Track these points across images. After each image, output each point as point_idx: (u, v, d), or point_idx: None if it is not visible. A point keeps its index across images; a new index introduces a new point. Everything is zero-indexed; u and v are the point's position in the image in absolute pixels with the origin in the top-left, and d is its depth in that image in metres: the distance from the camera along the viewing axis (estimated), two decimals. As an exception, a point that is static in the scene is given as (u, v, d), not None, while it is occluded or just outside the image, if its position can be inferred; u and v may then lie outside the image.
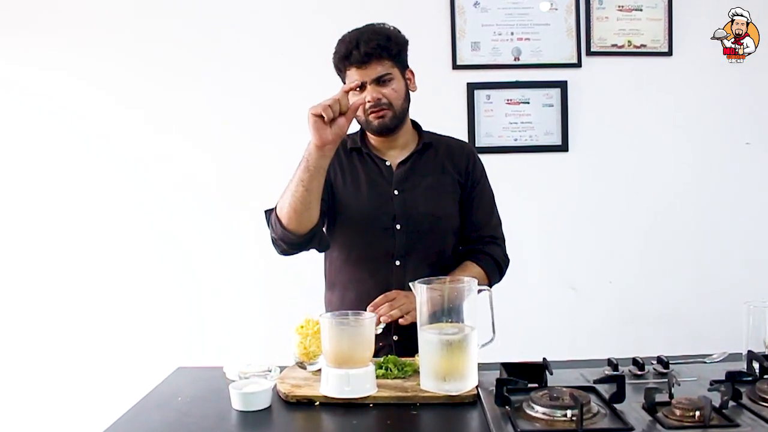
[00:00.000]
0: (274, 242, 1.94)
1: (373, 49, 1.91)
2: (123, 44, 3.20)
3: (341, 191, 2.05)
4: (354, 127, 2.06)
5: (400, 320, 1.85)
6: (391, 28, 2.01)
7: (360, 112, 1.97)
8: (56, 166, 3.23)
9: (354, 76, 1.95)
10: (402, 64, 2.02)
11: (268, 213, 1.97)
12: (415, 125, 2.15)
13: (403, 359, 1.75)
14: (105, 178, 3.24)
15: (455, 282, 1.63)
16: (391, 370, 1.70)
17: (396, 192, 2.03)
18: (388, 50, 1.94)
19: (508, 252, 2.15)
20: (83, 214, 3.24)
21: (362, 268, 2.03)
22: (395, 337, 1.99)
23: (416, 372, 1.67)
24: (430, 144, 2.10)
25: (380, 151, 2.10)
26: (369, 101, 1.95)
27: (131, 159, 3.24)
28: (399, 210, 2.01)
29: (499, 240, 2.13)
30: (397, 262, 2.00)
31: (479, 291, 1.67)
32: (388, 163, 2.07)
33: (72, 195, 3.24)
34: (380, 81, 1.96)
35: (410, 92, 2.06)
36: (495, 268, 2.07)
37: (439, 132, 2.18)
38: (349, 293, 2.04)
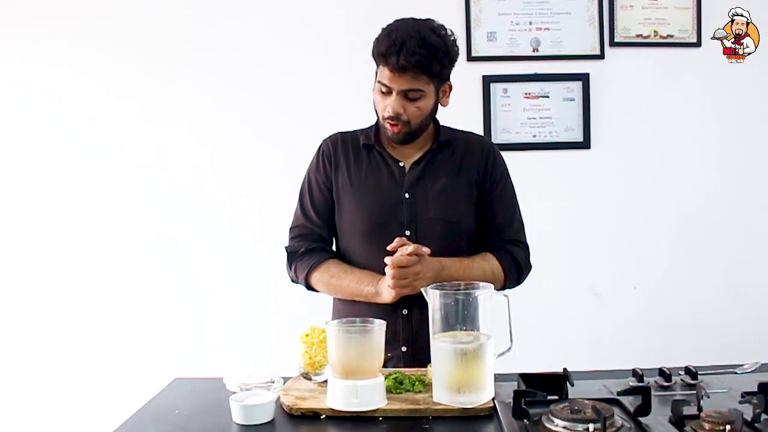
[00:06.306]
0: (292, 280, 2.13)
1: (413, 64, 1.86)
2: (118, 34, 3.21)
3: (348, 196, 2.05)
4: (367, 118, 2.09)
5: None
6: (448, 37, 1.94)
7: (379, 112, 1.98)
8: (48, 163, 3.25)
9: (385, 76, 1.91)
10: (440, 79, 1.97)
11: (290, 256, 2.09)
12: (434, 121, 2.10)
13: (412, 374, 1.74)
14: (99, 177, 3.25)
15: (470, 287, 1.63)
16: (402, 383, 1.69)
17: (407, 195, 2.00)
18: (428, 68, 1.89)
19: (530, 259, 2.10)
20: (76, 214, 3.25)
21: None
22: (404, 348, 1.98)
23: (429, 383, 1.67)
24: (447, 142, 2.07)
25: (395, 148, 2.06)
26: (388, 111, 1.93)
27: (127, 155, 3.25)
28: (409, 215, 1.99)
29: (521, 245, 2.08)
30: None
31: (496, 296, 1.66)
32: (401, 164, 2.04)
33: (64, 194, 3.25)
34: (408, 94, 1.93)
35: (440, 106, 2.03)
36: (514, 267, 2.02)
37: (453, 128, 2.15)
38: (359, 301, 2.01)
